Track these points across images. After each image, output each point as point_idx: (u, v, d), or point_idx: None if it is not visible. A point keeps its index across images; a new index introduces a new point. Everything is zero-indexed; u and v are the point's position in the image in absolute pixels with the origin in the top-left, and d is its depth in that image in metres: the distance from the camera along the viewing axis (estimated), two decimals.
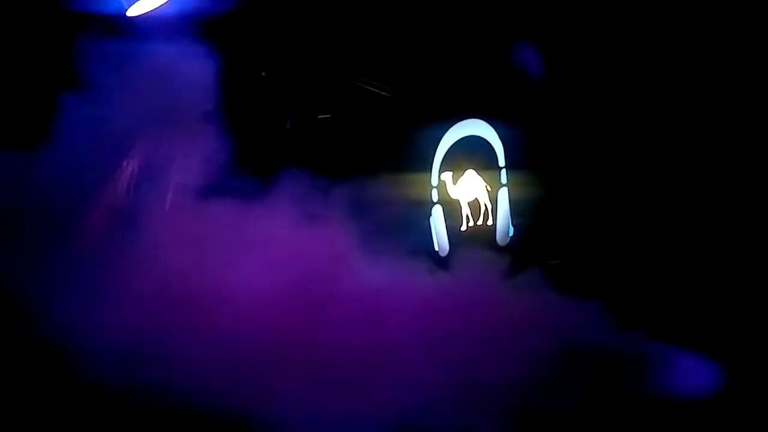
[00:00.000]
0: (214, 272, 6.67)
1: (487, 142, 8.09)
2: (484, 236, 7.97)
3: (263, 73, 7.81)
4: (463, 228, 8.11)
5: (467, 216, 8.11)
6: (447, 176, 8.19)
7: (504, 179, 7.99)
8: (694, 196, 7.18)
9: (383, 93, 8.22)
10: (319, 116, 8.19)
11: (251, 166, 7.23)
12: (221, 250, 6.76)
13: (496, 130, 8.05)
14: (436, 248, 8.12)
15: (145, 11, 6.67)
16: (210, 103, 7.04)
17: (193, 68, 6.93)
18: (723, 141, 7.11)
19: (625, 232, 7.38)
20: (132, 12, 6.63)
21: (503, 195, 7.97)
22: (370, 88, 8.18)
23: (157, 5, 6.67)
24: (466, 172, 8.14)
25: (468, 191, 8.14)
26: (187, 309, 6.56)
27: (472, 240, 8.00)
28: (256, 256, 6.80)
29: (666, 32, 7.27)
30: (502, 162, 8.01)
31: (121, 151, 7.15)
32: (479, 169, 8.10)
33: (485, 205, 8.04)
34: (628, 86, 7.45)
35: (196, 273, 6.68)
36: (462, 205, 8.14)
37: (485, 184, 8.06)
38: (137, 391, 6.43)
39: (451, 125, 8.24)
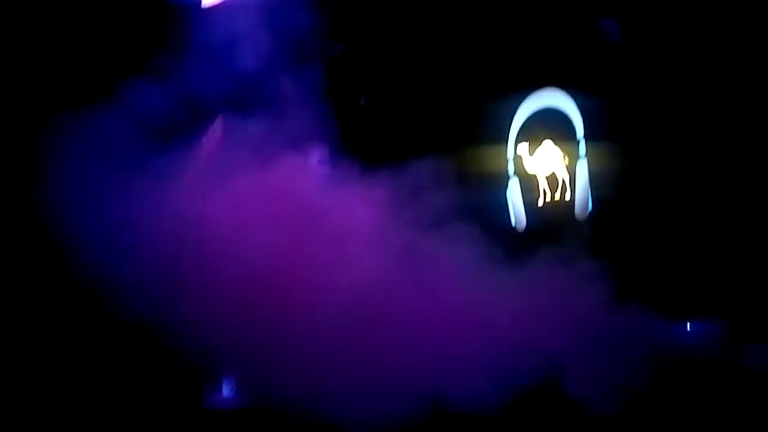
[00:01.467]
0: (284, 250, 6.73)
1: (565, 113, 7.91)
2: (563, 211, 7.86)
3: (336, 49, 7.69)
4: (541, 202, 8.01)
5: (545, 190, 7.99)
6: (523, 149, 8.02)
7: (582, 151, 7.83)
8: None
9: (458, 65, 8.05)
10: (394, 91, 8.07)
11: (329, 142, 7.24)
12: (294, 228, 6.82)
13: (574, 101, 7.87)
14: (513, 223, 8.06)
15: (220, 1, 6.59)
16: (285, 83, 7.08)
17: (265, 49, 6.94)
18: None
19: (704, 210, 7.26)
20: (207, 2, 6.56)
21: (582, 168, 7.82)
22: (443, 61, 8.02)
23: None
24: (543, 143, 7.97)
25: (545, 164, 7.98)
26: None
27: (550, 214, 7.91)
28: (336, 233, 6.86)
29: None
30: (580, 134, 7.84)
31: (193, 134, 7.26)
32: (557, 141, 7.93)
33: (563, 178, 7.90)
34: (707, 56, 7.26)
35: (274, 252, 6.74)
36: (539, 178, 8.00)
37: (563, 156, 7.92)
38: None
39: (528, 96, 8.07)
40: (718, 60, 7.22)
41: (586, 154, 7.82)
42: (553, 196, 7.96)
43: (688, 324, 7.11)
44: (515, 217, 8.05)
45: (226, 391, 7.42)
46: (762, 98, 7.14)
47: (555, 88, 7.98)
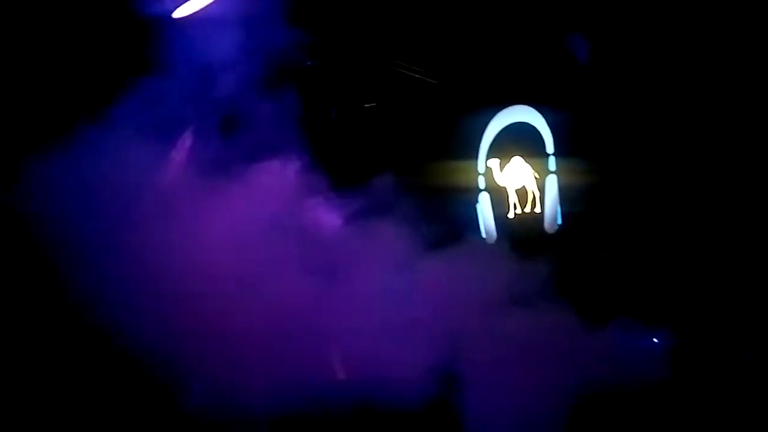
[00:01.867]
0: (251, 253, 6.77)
1: (535, 128, 8.00)
2: (532, 224, 7.93)
3: (309, 63, 7.74)
4: (511, 215, 8.08)
5: (515, 203, 8.06)
6: (494, 163, 8.11)
7: (552, 166, 7.92)
8: (750, 182, 7.12)
9: (429, 80, 8.12)
10: (365, 105, 8.13)
11: (299, 155, 7.28)
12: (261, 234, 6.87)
13: (543, 116, 7.96)
14: (484, 236, 8.12)
15: (191, 12, 6.61)
16: (256, 97, 7.13)
17: (238, 63, 6.97)
18: None
19: (675, 223, 7.34)
20: (178, 14, 6.58)
21: (551, 182, 7.90)
22: (416, 75, 8.09)
23: (203, 6, 6.61)
24: (513, 158, 8.05)
25: (515, 178, 8.05)
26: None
27: (519, 228, 7.97)
28: (299, 243, 6.91)
29: (720, 17, 7.15)
30: (550, 149, 7.93)
31: (169, 144, 7.27)
32: (527, 156, 8.01)
33: (533, 192, 7.98)
34: (677, 71, 7.35)
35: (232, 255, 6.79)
36: (509, 192, 8.08)
37: (533, 171, 7.99)
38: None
39: (498, 111, 8.15)
40: (685, 76, 7.32)
41: (556, 169, 7.92)
42: (522, 210, 8.04)
43: (654, 338, 7.17)
44: (485, 230, 8.11)
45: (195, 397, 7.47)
46: (730, 115, 7.23)
47: (525, 104, 8.09)
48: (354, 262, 6.81)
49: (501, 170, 8.12)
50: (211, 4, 6.64)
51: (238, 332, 6.45)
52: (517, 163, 8.07)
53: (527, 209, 8.01)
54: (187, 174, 7.01)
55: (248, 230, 6.74)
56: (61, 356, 6.88)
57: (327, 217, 7.14)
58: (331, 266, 6.79)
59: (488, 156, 8.18)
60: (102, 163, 6.68)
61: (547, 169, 7.92)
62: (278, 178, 7.06)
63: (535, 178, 7.97)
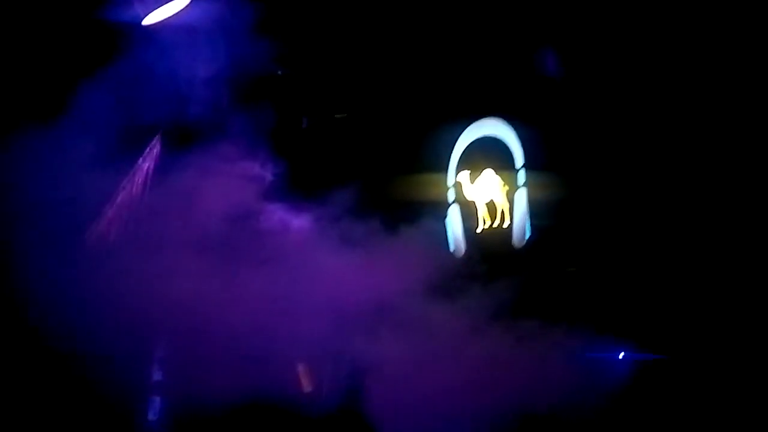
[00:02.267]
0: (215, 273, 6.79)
1: (505, 142, 8.01)
2: (501, 238, 7.94)
3: (279, 72, 7.73)
4: (480, 229, 8.07)
5: (484, 217, 8.06)
6: (464, 176, 8.11)
7: (521, 180, 7.92)
8: (714, 198, 7.15)
9: (400, 92, 8.12)
10: (336, 115, 8.12)
11: (269, 164, 7.28)
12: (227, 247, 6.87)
13: (514, 131, 7.98)
14: (452, 248, 8.11)
15: (161, 20, 6.58)
16: (226, 102, 7.13)
17: (208, 69, 6.97)
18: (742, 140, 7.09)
19: (642, 237, 7.36)
20: (148, 21, 6.55)
21: (520, 196, 7.90)
22: (387, 87, 8.09)
23: (173, 13, 6.58)
24: (483, 172, 8.05)
25: (485, 192, 8.05)
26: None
27: (488, 241, 7.98)
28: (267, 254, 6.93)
29: (686, 35, 7.20)
30: (519, 163, 7.94)
31: (134, 152, 7.27)
32: (496, 170, 8.01)
33: (502, 206, 7.98)
34: (647, 87, 7.39)
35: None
36: (479, 205, 8.08)
37: (502, 184, 8.00)
38: None
39: (469, 125, 8.17)
40: (654, 92, 7.35)
41: (525, 183, 7.93)
42: (492, 223, 8.05)
43: (621, 353, 7.19)
44: (454, 242, 8.12)
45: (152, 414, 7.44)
46: (697, 132, 7.28)
47: (495, 118, 8.10)
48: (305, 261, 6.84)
49: (471, 183, 8.12)
50: (181, 11, 6.60)
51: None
52: (487, 176, 8.08)
53: (496, 223, 8.02)
54: (153, 179, 7.05)
55: (207, 231, 6.77)
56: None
57: (287, 222, 7.15)
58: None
59: (458, 169, 8.19)
60: (64, 164, 6.67)
61: (517, 183, 7.93)
62: (240, 183, 7.09)
63: (505, 191, 7.98)
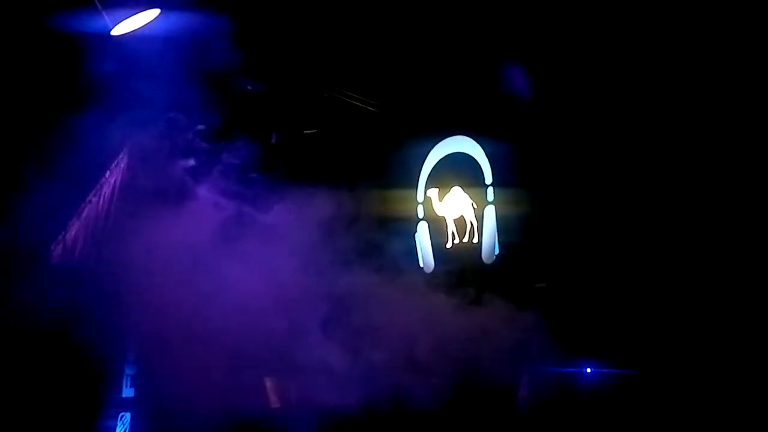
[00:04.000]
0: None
1: (474, 159, 8.06)
2: (470, 254, 7.95)
3: (249, 88, 7.73)
4: (449, 245, 8.09)
5: (453, 233, 8.08)
6: (433, 193, 8.15)
7: (490, 197, 7.96)
8: (682, 213, 7.19)
9: (369, 108, 8.15)
10: (305, 131, 8.13)
11: (237, 178, 7.26)
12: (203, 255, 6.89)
13: (482, 147, 8.03)
14: (421, 265, 8.12)
15: (130, 30, 6.56)
16: (197, 119, 7.13)
17: (178, 84, 6.96)
18: (712, 161, 7.14)
19: (613, 253, 7.39)
20: (117, 31, 6.53)
21: (489, 212, 7.94)
22: (356, 103, 8.11)
23: (142, 24, 6.56)
24: (453, 188, 8.10)
25: (454, 208, 8.09)
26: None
27: (457, 257, 7.99)
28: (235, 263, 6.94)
29: (655, 52, 7.26)
30: (488, 179, 7.98)
31: (110, 163, 7.26)
32: (465, 186, 8.06)
33: (471, 222, 8.00)
34: (615, 105, 7.44)
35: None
36: (448, 222, 8.11)
37: (471, 201, 8.03)
38: None
39: (438, 141, 8.21)
40: (622, 108, 7.40)
41: (494, 199, 7.95)
42: (461, 240, 8.06)
43: (588, 368, 7.20)
44: (423, 259, 8.13)
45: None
46: (665, 148, 7.33)
47: (464, 135, 8.15)
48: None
49: (440, 200, 8.16)
50: (150, 23, 6.58)
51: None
52: (456, 193, 8.11)
53: (465, 239, 8.04)
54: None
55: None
56: None
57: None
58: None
59: (427, 185, 8.24)
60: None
61: (486, 200, 7.96)
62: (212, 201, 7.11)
63: (474, 208, 8.01)
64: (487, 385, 7.02)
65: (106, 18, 6.40)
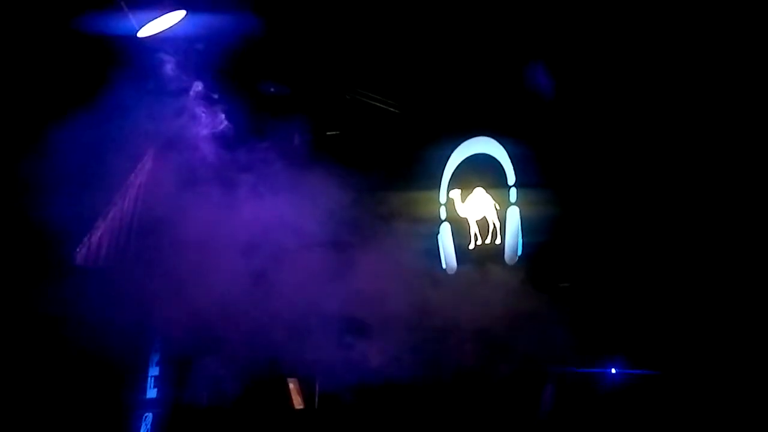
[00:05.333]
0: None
1: (496, 160, 8.05)
2: (493, 255, 7.94)
3: (272, 90, 7.76)
4: (471, 246, 8.09)
5: (475, 234, 8.08)
6: (455, 194, 8.15)
7: (513, 198, 7.95)
8: (707, 216, 7.17)
9: (392, 110, 8.17)
10: (328, 132, 8.15)
11: (258, 180, 7.29)
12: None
13: (505, 148, 8.02)
14: (444, 266, 8.12)
15: (156, 32, 6.60)
16: (218, 120, 7.16)
17: (202, 86, 7.01)
18: (737, 160, 7.13)
19: (638, 253, 7.37)
20: (143, 33, 6.56)
21: (512, 214, 7.92)
22: (379, 105, 8.13)
23: (168, 26, 6.60)
24: (475, 190, 8.10)
25: (476, 209, 8.09)
26: None
27: (480, 258, 7.98)
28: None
29: (675, 52, 7.26)
30: (511, 180, 7.97)
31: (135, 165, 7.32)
32: (488, 188, 8.06)
33: (494, 223, 7.99)
34: (638, 105, 7.43)
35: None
36: (470, 223, 8.10)
37: (494, 202, 8.02)
38: None
39: (460, 143, 8.22)
40: (644, 107, 7.39)
41: (517, 200, 7.95)
42: (483, 241, 8.06)
43: (613, 368, 7.19)
44: (446, 260, 8.14)
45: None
46: (687, 148, 7.32)
47: (487, 136, 8.15)
48: None
49: (462, 201, 8.16)
50: (176, 24, 6.62)
51: None
52: (479, 194, 8.11)
53: (488, 240, 8.03)
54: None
55: None
56: None
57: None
58: None
59: (450, 187, 8.24)
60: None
61: (509, 201, 7.96)
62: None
63: (496, 209, 8.00)
64: (511, 385, 7.03)
65: (132, 20, 6.44)
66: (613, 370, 7.17)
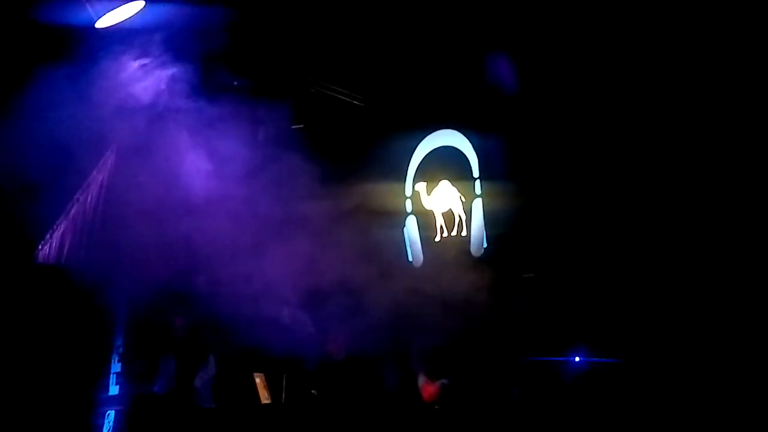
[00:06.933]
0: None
1: (461, 152, 8.07)
2: (459, 247, 7.95)
3: (235, 83, 7.72)
4: (437, 239, 8.09)
5: (441, 226, 8.08)
6: (421, 187, 8.16)
7: (478, 190, 7.97)
8: (668, 206, 7.19)
9: (357, 103, 8.17)
10: (293, 126, 8.12)
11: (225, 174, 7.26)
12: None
13: (470, 141, 8.04)
14: (411, 258, 8.12)
15: (114, 23, 6.56)
16: (182, 114, 7.12)
17: (161, 79, 6.97)
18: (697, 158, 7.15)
19: (601, 244, 7.38)
20: (101, 24, 6.52)
21: (477, 206, 7.94)
22: (343, 98, 8.12)
23: (126, 17, 6.56)
24: (441, 182, 8.11)
25: (442, 202, 8.10)
26: None
27: (446, 251, 7.98)
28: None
29: (638, 45, 7.27)
30: (476, 172, 7.99)
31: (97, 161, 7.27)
32: (453, 180, 8.07)
33: (459, 215, 8.00)
34: (601, 97, 7.44)
35: None
36: (436, 215, 8.11)
37: (459, 194, 8.03)
38: None
39: (425, 136, 8.23)
40: (608, 100, 7.40)
41: (482, 193, 7.96)
42: (449, 233, 8.06)
43: (576, 357, 7.19)
44: (412, 252, 8.14)
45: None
46: (651, 140, 7.34)
47: (452, 129, 8.16)
48: None
49: (428, 194, 8.17)
50: (135, 15, 6.58)
51: None
52: (444, 186, 8.12)
53: (454, 232, 8.04)
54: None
55: None
56: None
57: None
58: None
59: (415, 179, 8.25)
60: None
61: (474, 193, 7.97)
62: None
63: (462, 201, 8.01)
64: (476, 375, 7.02)
65: (91, 10, 6.40)
66: (577, 359, 7.18)
